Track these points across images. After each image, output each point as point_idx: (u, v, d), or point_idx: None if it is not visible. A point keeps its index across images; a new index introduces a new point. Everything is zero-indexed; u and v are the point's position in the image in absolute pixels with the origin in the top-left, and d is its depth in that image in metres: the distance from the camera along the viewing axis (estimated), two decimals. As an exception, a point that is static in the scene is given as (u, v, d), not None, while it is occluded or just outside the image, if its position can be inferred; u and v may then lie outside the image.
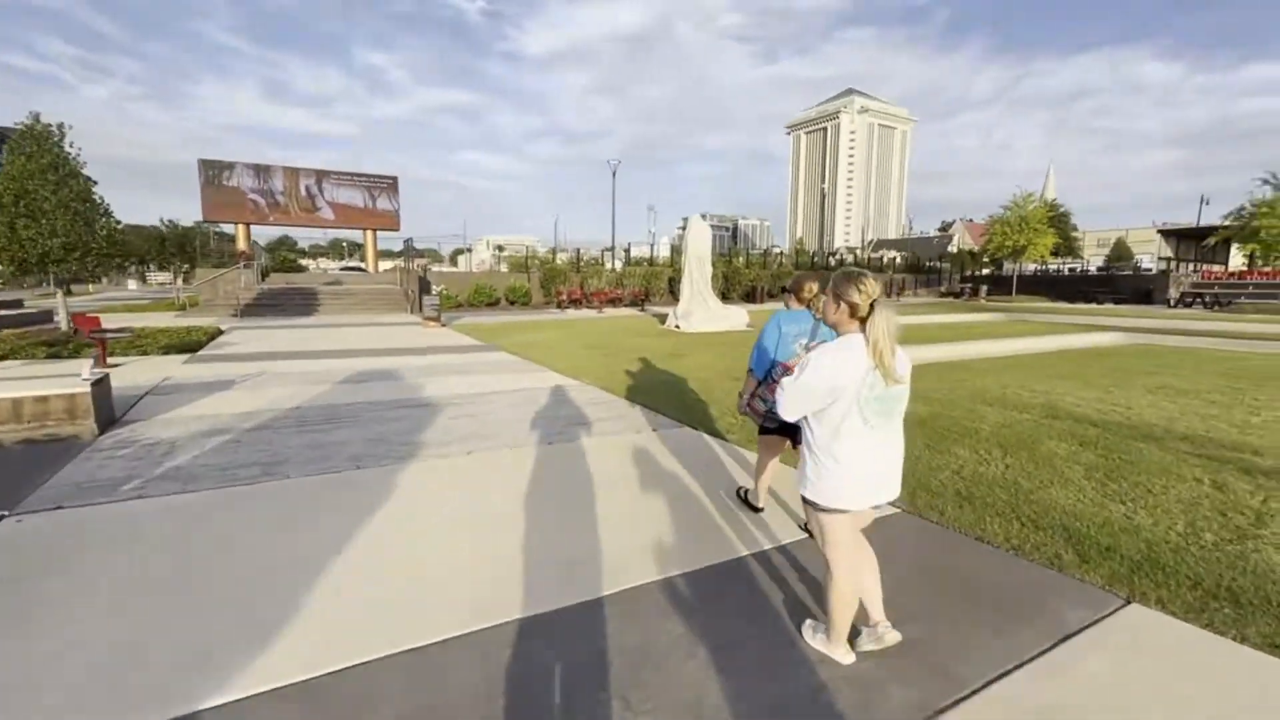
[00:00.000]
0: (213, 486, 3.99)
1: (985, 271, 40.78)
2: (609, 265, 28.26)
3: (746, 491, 3.83)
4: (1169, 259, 35.83)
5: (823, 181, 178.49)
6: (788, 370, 3.16)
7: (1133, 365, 9.65)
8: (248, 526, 3.43)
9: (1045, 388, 7.48)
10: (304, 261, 58.94)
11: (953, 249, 59.67)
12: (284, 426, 5.52)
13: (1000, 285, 33.43)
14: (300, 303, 20.42)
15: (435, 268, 48.88)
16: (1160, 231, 36.35)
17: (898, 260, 40.12)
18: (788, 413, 2.13)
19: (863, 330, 2.01)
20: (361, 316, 18.92)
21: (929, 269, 38.55)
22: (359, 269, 39.68)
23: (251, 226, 30.54)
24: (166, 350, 9.98)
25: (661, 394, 7.05)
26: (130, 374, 8.00)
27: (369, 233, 33.29)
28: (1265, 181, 23.49)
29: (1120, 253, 55.96)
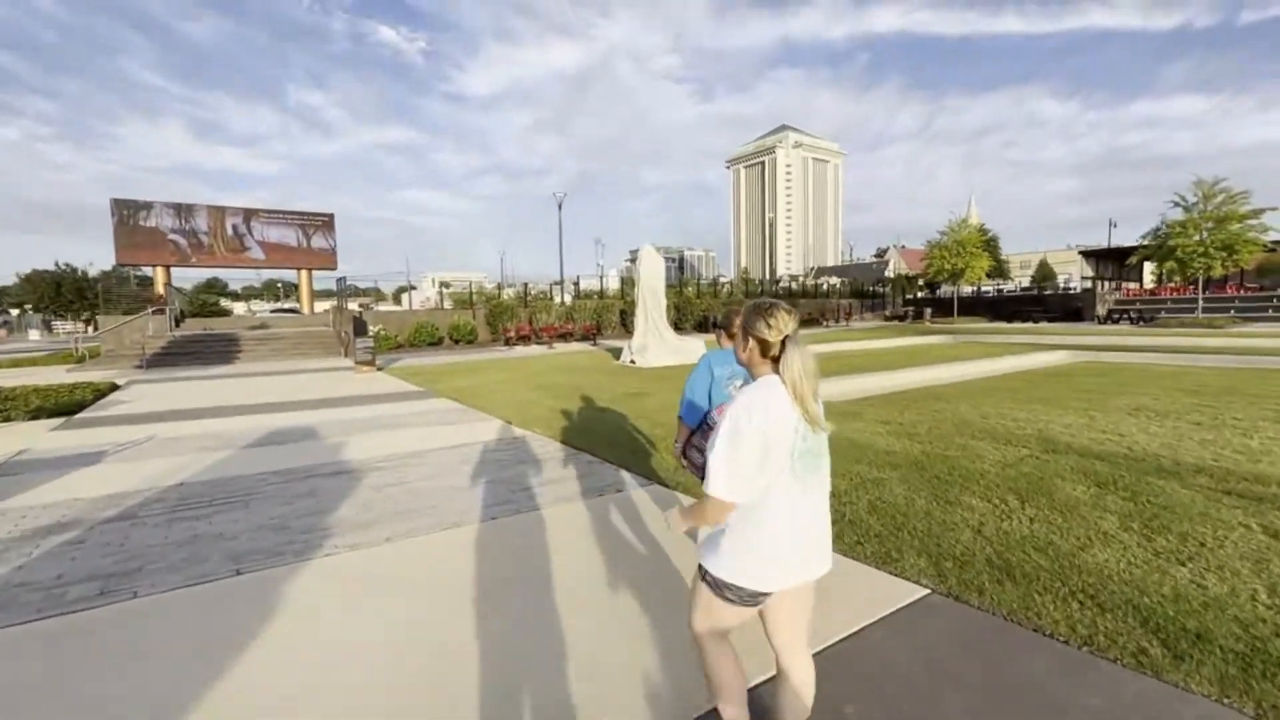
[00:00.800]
0: (20, 619, 2.90)
1: (923, 295, 42.21)
2: (558, 299, 27.45)
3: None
4: (1090, 278, 37.93)
5: (763, 213, 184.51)
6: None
7: (1097, 385, 9.49)
8: (51, 684, 2.38)
9: (1026, 415, 7.08)
10: (233, 305, 55.65)
11: (889, 274, 62.15)
12: (153, 514, 4.39)
13: (941, 307, 34.43)
14: (219, 350, 18.66)
15: (379, 306, 46.86)
16: (1081, 253, 38.48)
17: (838, 285, 41.05)
18: (733, 493, 1.60)
19: (776, 371, 1.66)
20: (288, 363, 17.37)
21: (872, 293, 39.52)
22: (293, 311, 37.50)
23: (173, 269, 28.48)
24: (36, 414, 8.47)
25: (624, 442, 6.24)
26: (-24, 448, 6.59)
27: (304, 272, 31.62)
28: (1175, 204, 25.10)
29: (1044, 273, 59.29)
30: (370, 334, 16.69)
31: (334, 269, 30.94)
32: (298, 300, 35.30)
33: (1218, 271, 24.15)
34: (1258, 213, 23.54)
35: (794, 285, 41.86)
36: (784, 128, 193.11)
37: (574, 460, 5.69)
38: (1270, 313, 26.29)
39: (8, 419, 8.15)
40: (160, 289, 26.27)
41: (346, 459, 5.92)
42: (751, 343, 1.70)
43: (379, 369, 14.59)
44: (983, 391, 9.15)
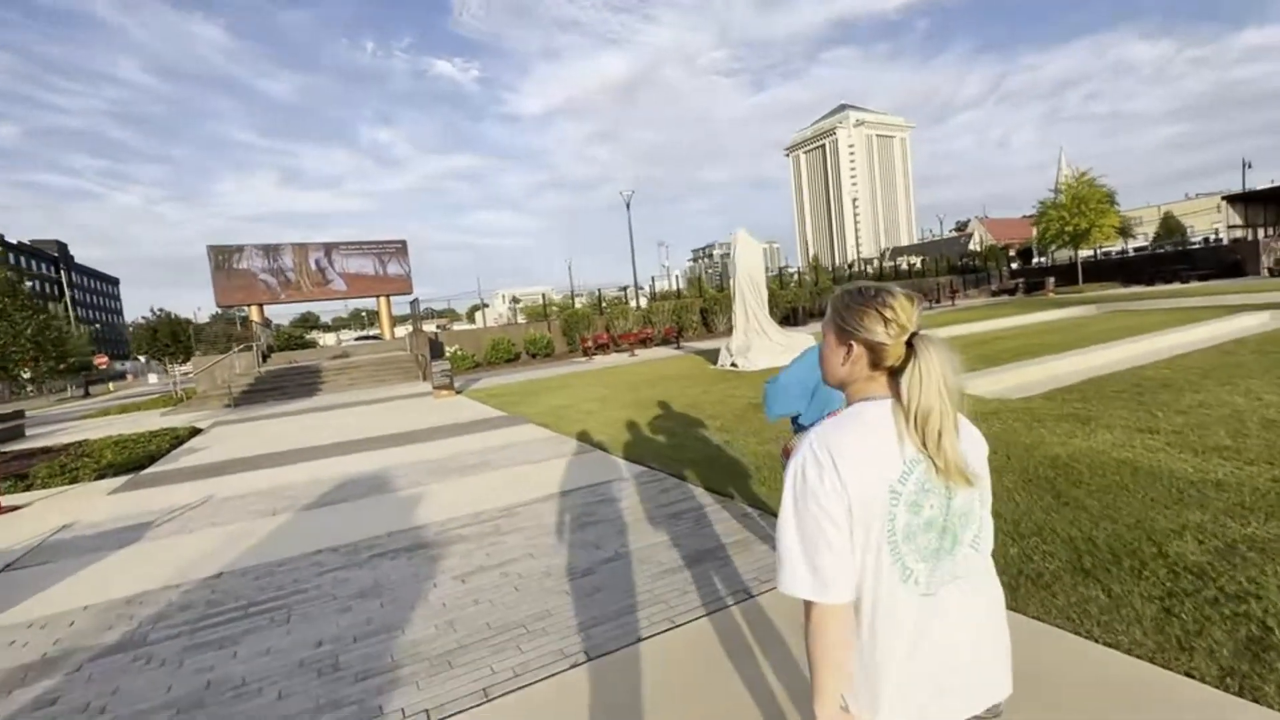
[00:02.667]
0: None
1: (1029, 264, 37.89)
2: (633, 303, 26.07)
3: None
4: (1239, 226, 32.59)
5: (828, 197, 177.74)
6: None
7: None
8: None
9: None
10: (323, 336, 58.29)
11: (974, 246, 56.74)
12: (167, 636, 3.16)
13: (1061, 276, 30.43)
14: (302, 382, 18.49)
15: (455, 326, 47.49)
16: (1225, 198, 33.11)
17: (919, 264, 37.43)
18: (826, 585, 0.96)
19: (893, 391, 1.02)
20: (368, 391, 16.86)
21: (974, 268, 35.75)
22: (375, 338, 38.37)
23: (266, 307, 29.60)
24: (105, 471, 7.81)
25: (777, 480, 4.57)
26: (18, 523, 5.79)
27: (382, 299, 32.07)
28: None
29: (1170, 227, 52.21)
30: (446, 355, 15.88)
31: (409, 293, 31.13)
32: (378, 327, 35.97)
33: None
34: None
35: (869, 268, 38.66)
36: (843, 107, 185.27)
37: (718, 514, 4.09)
38: None
39: (74, 479, 7.51)
40: (255, 327, 27.12)
41: (422, 522, 4.59)
42: (856, 350, 1.03)
43: (458, 392, 13.62)
44: (1219, 371, 6.83)
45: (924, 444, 0.97)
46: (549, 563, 3.59)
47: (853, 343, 1.04)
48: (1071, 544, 3.07)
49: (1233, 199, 32.77)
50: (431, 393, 13.76)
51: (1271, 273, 24.38)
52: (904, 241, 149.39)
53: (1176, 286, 23.71)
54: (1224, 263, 25.96)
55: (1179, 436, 4.51)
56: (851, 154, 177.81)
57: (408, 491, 5.55)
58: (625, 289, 27.89)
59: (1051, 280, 28.15)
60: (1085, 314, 16.78)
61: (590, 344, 20.84)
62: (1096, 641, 2.33)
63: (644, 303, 26.18)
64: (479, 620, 2.98)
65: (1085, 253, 32.48)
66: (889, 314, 1.00)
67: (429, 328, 25.75)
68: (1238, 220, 32.91)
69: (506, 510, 4.68)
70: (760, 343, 12.04)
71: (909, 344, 1.00)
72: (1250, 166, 43.60)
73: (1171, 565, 2.75)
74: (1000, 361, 8.87)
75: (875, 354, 1.02)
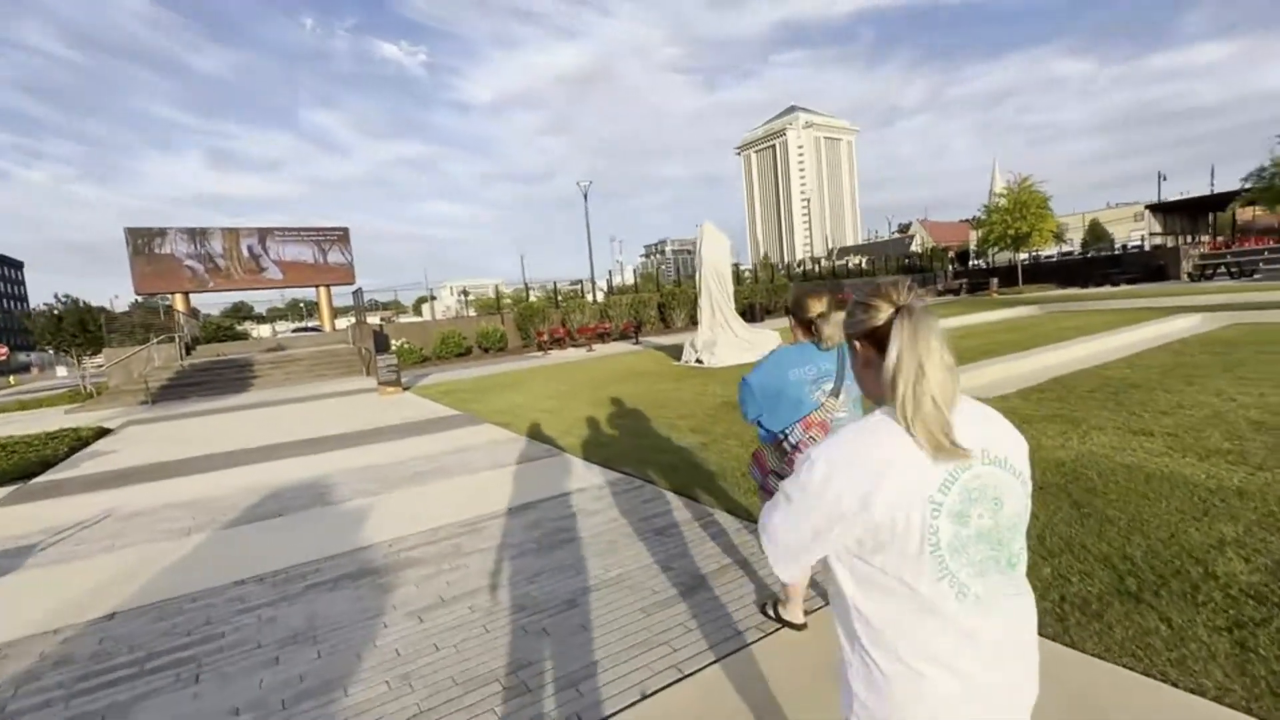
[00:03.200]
0: None
1: (970, 266, 39.37)
2: (590, 297, 25.46)
3: (775, 603, 2.61)
4: (1159, 234, 34.79)
5: (778, 197, 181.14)
6: (812, 433, 2.15)
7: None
8: None
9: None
10: (257, 328, 54.89)
11: (916, 248, 58.76)
12: (31, 705, 2.48)
13: (1003, 278, 31.67)
14: (231, 378, 17.06)
15: (400, 319, 45.53)
16: (1148, 208, 35.23)
17: (862, 264, 38.29)
18: (779, 566, 1.05)
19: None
20: (306, 387, 15.67)
21: (920, 269, 36.84)
22: (314, 329, 36.32)
23: (192, 295, 27.44)
24: (-14, 481, 6.73)
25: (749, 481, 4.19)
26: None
27: (322, 289, 30.32)
28: (1281, 139, 22.27)
29: (1096, 234, 55.31)
30: (392, 349, 14.94)
31: (352, 283, 29.52)
32: (318, 319, 34.04)
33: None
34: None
35: (818, 267, 39.30)
36: (793, 108, 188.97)
37: (710, 528, 3.67)
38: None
39: (-55, 491, 6.41)
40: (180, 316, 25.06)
41: (368, 542, 3.98)
42: (860, 349, 1.05)
43: (405, 388, 12.75)
44: (1178, 370, 6.94)
45: (934, 441, 0.89)
46: (522, 593, 3.08)
47: (855, 341, 1.06)
48: (1108, 562, 2.79)
49: (1154, 208, 34.90)
50: (377, 389, 12.83)
51: (1191, 277, 25.97)
52: (849, 241, 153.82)
53: (1108, 289, 24.92)
54: (1149, 267, 27.49)
55: (1176, 440, 4.38)
56: (800, 155, 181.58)
57: (351, 504, 4.89)
58: (579, 283, 27.13)
59: (995, 281, 29.19)
60: (1033, 314, 17.30)
61: (546, 338, 20.15)
62: (1176, 686, 2.02)
63: (600, 297, 25.61)
64: (442, 673, 2.44)
65: (1023, 256, 33.92)
66: (873, 302, 1.02)
67: (373, 320, 24.38)
68: (1158, 228, 35.13)
69: (468, 526, 4.12)
70: (726, 338, 11.73)
71: (890, 323, 0.97)
72: (1165, 179, 46.78)
73: (1225, 588, 2.50)
74: (969, 359, 8.83)
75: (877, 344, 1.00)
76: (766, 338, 12.20)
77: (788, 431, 2.20)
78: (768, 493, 2.30)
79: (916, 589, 0.91)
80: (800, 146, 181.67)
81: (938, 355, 0.93)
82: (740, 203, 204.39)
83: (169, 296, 27.62)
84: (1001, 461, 0.96)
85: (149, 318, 22.98)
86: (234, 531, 4.49)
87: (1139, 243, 35.92)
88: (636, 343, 19.85)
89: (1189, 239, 33.58)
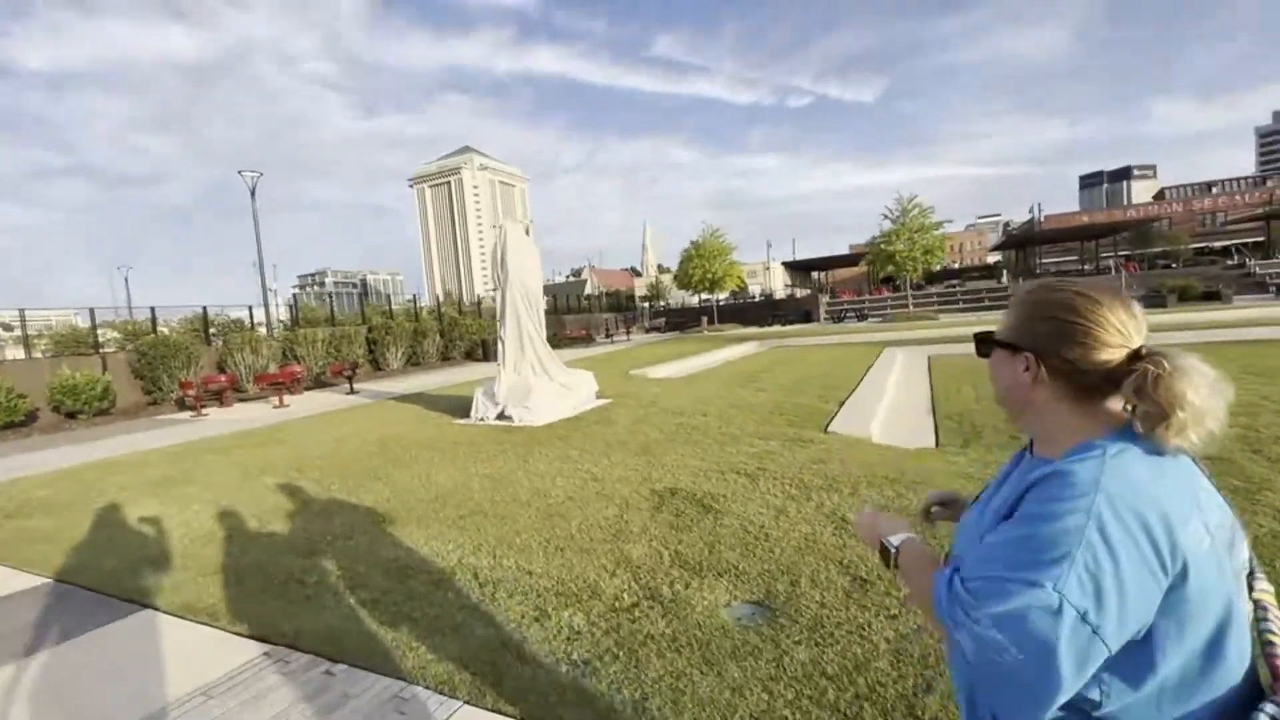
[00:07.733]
0: None
1: (661, 305, 43.42)
2: (262, 329, 18.26)
3: None
4: (790, 285, 44.04)
5: (454, 233, 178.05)
6: None
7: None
8: None
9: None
10: None
11: (589, 291, 64.00)
12: None
13: (694, 318, 35.23)
14: None
15: None
16: (784, 264, 44.34)
17: (572, 300, 39.07)
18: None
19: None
20: None
21: (626, 307, 38.68)
22: None
23: None
24: None
25: None
26: None
27: None
28: (885, 217, 29.99)
29: (740, 284, 68.85)
30: None
31: None
32: None
33: (916, 274, 29.57)
34: (938, 225, 29.54)
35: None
36: (467, 149, 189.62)
37: None
38: (960, 305, 33.06)
39: None
40: None
41: None
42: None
43: None
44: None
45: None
46: None
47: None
48: None
49: (788, 264, 44.04)
50: None
51: (827, 318, 32.88)
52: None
53: (779, 328, 29.52)
54: (801, 311, 34.01)
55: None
56: (476, 195, 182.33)
57: None
58: (224, 310, 19.38)
59: (705, 319, 32.19)
60: (766, 348, 18.53)
61: (196, 390, 13.16)
62: None
63: (277, 331, 18.72)
64: None
65: (720, 296, 38.56)
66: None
67: None
68: (789, 281, 44.41)
69: None
70: (542, 385, 8.55)
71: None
72: (772, 245, 60.46)
73: None
74: (821, 396, 7.76)
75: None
76: (583, 382, 9.44)
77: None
78: None
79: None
80: (475, 187, 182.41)
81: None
82: (415, 236, 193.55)
83: None
84: None
85: None
86: None
87: (787, 292, 45.08)
88: (352, 392, 14.58)
89: (825, 292, 43.25)
